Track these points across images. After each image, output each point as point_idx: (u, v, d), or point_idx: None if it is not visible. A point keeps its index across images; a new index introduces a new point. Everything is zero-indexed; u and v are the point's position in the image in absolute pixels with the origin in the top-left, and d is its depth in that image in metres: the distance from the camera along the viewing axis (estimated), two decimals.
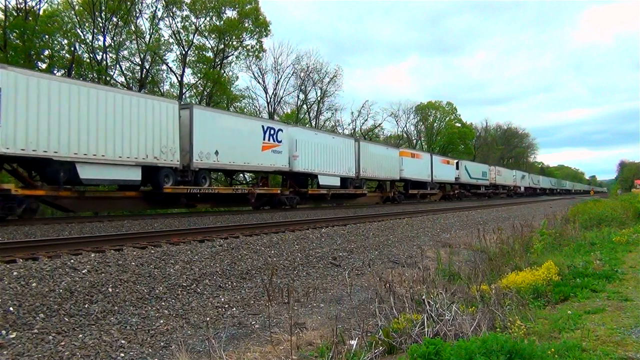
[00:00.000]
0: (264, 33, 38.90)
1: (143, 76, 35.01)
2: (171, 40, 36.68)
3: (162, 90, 37.29)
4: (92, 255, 7.71)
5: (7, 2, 27.60)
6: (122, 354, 4.85)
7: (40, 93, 13.33)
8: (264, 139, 21.95)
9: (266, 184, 24.25)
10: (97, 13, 30.62)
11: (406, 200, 37.21)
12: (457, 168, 46.67)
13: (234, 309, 6.60)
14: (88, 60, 31.41)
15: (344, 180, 28.21)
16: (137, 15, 34.10)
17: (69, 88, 14.20)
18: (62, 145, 13.86)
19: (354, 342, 4.54)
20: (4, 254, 7.36)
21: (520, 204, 38.93)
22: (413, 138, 72.12)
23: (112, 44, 32.93)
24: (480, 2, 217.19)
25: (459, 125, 76.02)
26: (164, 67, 37.64)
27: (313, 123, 50.07)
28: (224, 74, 38.85)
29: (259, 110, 46.17)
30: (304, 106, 50.71)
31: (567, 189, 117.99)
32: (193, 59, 37.92)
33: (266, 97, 46.20)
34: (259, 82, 47.06)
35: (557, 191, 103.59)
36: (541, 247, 11.42)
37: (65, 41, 30.91)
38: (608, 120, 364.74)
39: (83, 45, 31.51)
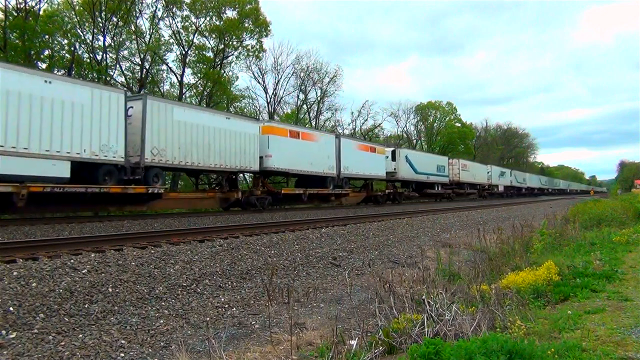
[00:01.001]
0: (264, 33, 38.96)
1: (143, 76, 35.03)
2: (171, 40, 36.76)
3: (162, 90, 37.33)
4: (92, 255, 7.71)
5: (7, 2, 27.65)
6: (122, 354, 4.85)
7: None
8: None
9: None
10: (97, 13, 30.65)
11: (274, 206, 24.36)
12: (394, 159, 34.70)
13: (234, 309, 6.60)
14: (88, 60, 31.44)
15: (92, 169, 15.21)
16: (137, 15, 34.18)
17: None
18: None
19: (354, 342, 4.54)
20: (4, 254, 7.36)
21: (520, 204, 38.91)
22: (413, 138, 72.20)
23: (112, 44, 32.98)
24: (480, 2, 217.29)
25: (459, 125, 76.09)
26: (164, 67, 37.72)
27: (313, 123, 50.13)
28: (224, 74, 38.90)
29: (259, 110, 46.25)
30: (304, 106, 50.79)
31: (560, 189, 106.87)
32: (193, 59, 37.98)
33: (266, 97, 46.30)
34: (259, 82, 47.15)
35: (548, 191, 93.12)
36: (541, 247, 11.42)
37: (65, 41, 30.99)
38: (608, 120, 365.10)
39: (83, 45, 31.57)
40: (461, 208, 27.94)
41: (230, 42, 38.33)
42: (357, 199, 32.33)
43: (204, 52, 38.13)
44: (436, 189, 42.08)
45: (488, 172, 55.22)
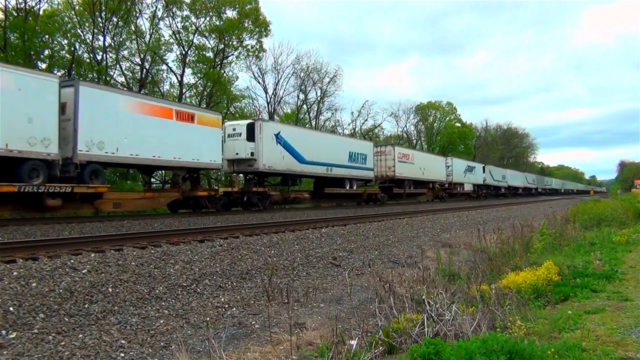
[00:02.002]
0: (264, 33, 38.98)
1: (143, 76, 35.04)
2: (171, 40, 36.78)
3: (162, 90, 37.33)
4: (92, 255, 7.71)
5: (7, 2, 27.66)
6: (122, 354, 4.85)
7: None
8: None
9: None
10: (97, 13, 30.66)
11: None
12: (251, 138, 21.98)
13: (234, 309, 6.60)
14: (88, 60, 31.46)
15: None
16: (137, 15, 34.21)
17: None
18: None
19: (354, 342, 4.54)
20: (4, 254, 7.36)
21: (520, 204, 38.92)
22: (413, 138, 72.23)
23: (112, 44, 33.01)
24: (480, 2, 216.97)
25: (459, 125, 76.10)
26: (164, 67, 37.73)
27: (313, 123, 50.15)
28: (224, 74, 38.90)
29: (259, 110, 46.27)
30: (304, 106, 50.80)
31: (553, 189, 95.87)
32: (193, 59, 37.99)
33: (266, 97, 46.31)
34: (259, 82, 47.09)
35: (537, 191, 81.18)
36: (541, 247, 11.42)
37: (65, 41, 31.01)
38: (608, 120, 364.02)
39: (83, 45, 31.59)
40: (461, 208, 27.95)
41: (230, 42, 38.35)
42: (152, 203, 18.73)
43: (204, 52, 38.15)
44: (348, 187, 29.35)
45: (448, 167, 43.55)
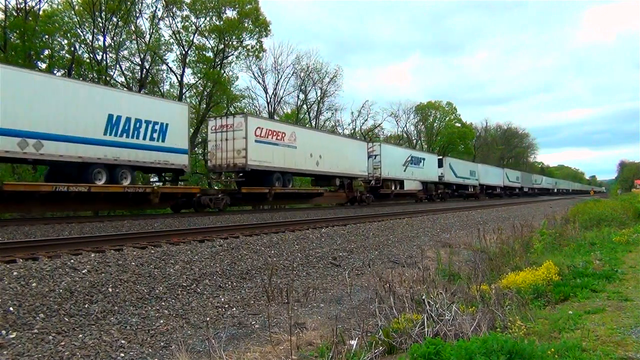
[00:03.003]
0: (264, 33, 38.94)
1: (143, 76, 35.02)
2: (171, 40, 36.76)
3: (162, 90, 37.32)
4: (92, 255, 7.71)
5: (7, 2, 27.67)
6: (122, 354, 4.85)
7: None
8: None
9: None
10: (97, 13, 30.64)
11: None
12: None
13: (234, 309, 6.60)
14: (88, 60, 31.45)
15: None
16: (137, 15, 34.16)
17: None
18: None
19: (354, 342, 4.54)
20: (4, 254, 7.36)
21: (520, 204, 38.91)
22: (413, 138, 72.20)
23: (112, 44, 32.98)
24: (482, 1, 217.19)
25: (459, 125, 76.03)
26: (164, 67, 37.70)
27: (313, 123, 50.16)
28: (224, 74, 38.86)
29: (259, 110, 46.27)
30: (304, 106, 50.75)
31: (543, 188, 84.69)
32: (193, 59, 37.96)
33: (266, 97, 46.26)
34: (259, 82, 47.13)
35: (522, 191, 68.84)
36: (541, 247, 11.42)
37: (65, 41, 31.00)
38: (609, 120, 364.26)
39: (83, 45, 31.59)
40: (461, 208, 27.94)
41: (230, 42, 38.32)
42: None
43: (204, 52, 38.12)
44: (103, 180, 15.65)
45: (373, 156, 30.87)
